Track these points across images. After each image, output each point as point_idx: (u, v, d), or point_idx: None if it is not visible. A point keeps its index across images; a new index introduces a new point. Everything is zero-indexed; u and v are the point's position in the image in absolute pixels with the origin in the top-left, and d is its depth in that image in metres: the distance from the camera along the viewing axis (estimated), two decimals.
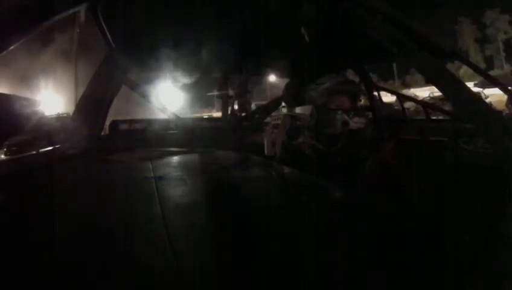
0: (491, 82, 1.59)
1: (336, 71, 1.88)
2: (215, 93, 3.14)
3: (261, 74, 3.75)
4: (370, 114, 2.48)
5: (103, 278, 0.55)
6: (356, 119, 1.58)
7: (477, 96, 1.17)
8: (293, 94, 2.01)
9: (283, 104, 2.80)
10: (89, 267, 0.58)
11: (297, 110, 1.73)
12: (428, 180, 1.48)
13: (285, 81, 2.34)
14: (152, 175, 1.22)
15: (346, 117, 1.57)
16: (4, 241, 0.67)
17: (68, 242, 0.67)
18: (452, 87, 1.15)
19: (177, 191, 1.07)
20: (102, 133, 2.27)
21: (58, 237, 0.69)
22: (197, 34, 2.02)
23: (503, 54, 31.75)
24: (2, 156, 4.73)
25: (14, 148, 4.70)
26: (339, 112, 1.58)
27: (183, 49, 2.13)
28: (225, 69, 2.88)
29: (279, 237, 0.72)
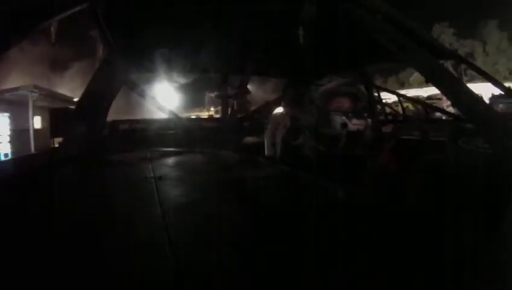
0: (491, 82, 1.59)
1: (336, 72, 1.88)
2: (215, 93, 3.14)
3: (261, 74, 3.75)
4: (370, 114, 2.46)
5: (104, 277, 0.55)
6: (355, 121, 1.57)
7: (477, 96, 1.17)
8: (293, 95, 2.01)
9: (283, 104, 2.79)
10: (89, 266, 0.58)
11: (298, 110, 1.73)
12: (428, 180, 1.48)
13: (262, 88, 2.35)
14: (152, 175, 1.23)
15: (345, 119, 1.56)
16: (4, 240, 0.67)
17: (68, 241, 0.67)
18: (452, 87, 1.14)
19: (177, 191, 1.08)
20: (103, 133, 2.26)
21: (58, 236, 0.69)
22: (197, 34, 2.02)
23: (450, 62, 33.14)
24: None
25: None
26: (339, 114, 1.57)
27: (183, 50, 2.13)
28: (225, 70, 2.88)
29: (279, 236, 0.72)
